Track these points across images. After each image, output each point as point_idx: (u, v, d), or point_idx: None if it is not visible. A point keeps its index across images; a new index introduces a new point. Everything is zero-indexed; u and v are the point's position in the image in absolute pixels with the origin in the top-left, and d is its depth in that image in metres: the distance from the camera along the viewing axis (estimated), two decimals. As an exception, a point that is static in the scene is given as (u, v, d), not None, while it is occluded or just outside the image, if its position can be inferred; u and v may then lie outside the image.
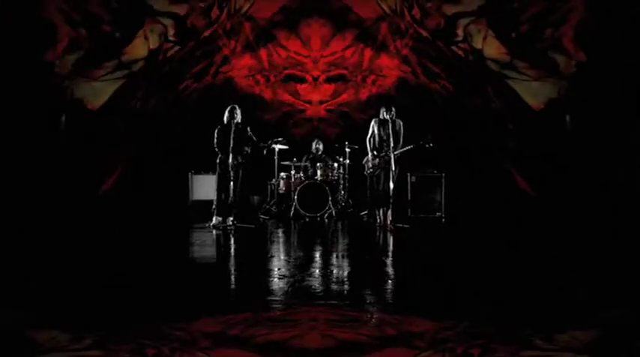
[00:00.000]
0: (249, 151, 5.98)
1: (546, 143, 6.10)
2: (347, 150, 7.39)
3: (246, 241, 5.15)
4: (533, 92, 6.19)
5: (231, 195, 5.85)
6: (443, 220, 6.96)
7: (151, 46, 6.06)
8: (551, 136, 6.04)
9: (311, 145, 7.58)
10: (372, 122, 6.12)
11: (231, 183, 5.83)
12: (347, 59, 7.31)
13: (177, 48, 6.34)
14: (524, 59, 6.07)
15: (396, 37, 6.73)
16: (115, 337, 2.16)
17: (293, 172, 7.26)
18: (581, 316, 2.50)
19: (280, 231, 5.93)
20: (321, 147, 7.53)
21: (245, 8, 6.20)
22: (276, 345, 2.14)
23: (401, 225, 5.95)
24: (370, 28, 6.69)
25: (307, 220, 6.84)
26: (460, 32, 6.25)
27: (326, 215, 6.99)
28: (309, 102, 8.02)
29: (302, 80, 7.69)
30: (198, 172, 7.51)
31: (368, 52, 7.18)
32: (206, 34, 6.36)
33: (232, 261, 4.21)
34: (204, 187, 7.32)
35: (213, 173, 6.18)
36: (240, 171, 5.94)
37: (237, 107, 5.95)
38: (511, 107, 6.44)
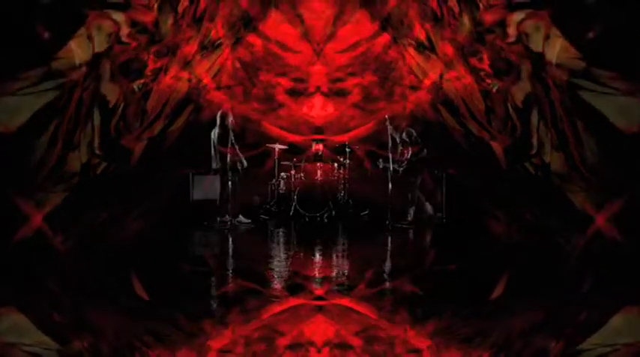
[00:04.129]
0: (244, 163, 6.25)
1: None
2: (347, 150, 7.51)
3: (248, 239, 5.32)
4: (622, 109, 4.68)
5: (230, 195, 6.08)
6: (444, 220, 7.05)
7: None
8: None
9: (311, 146, 7.71)
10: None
11: (230, 183, 6.05)
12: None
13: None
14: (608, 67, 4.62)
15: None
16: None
17: (293, 172, 7.40)
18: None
19: (280, 230, 6.09)
20: (320, 147, 7.66)
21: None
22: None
23: (400, 225, 6.09)
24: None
25: (307, 219, 6.97)
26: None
27: (326, 215, 7.12)
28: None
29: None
30: (198, 172, 7.62)
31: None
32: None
33: (231, 259, 4.38)
34: (205, 187, 7.44)
35: (214, 173, 6.37)
36: (234, 173, 6.18)
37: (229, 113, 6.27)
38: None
